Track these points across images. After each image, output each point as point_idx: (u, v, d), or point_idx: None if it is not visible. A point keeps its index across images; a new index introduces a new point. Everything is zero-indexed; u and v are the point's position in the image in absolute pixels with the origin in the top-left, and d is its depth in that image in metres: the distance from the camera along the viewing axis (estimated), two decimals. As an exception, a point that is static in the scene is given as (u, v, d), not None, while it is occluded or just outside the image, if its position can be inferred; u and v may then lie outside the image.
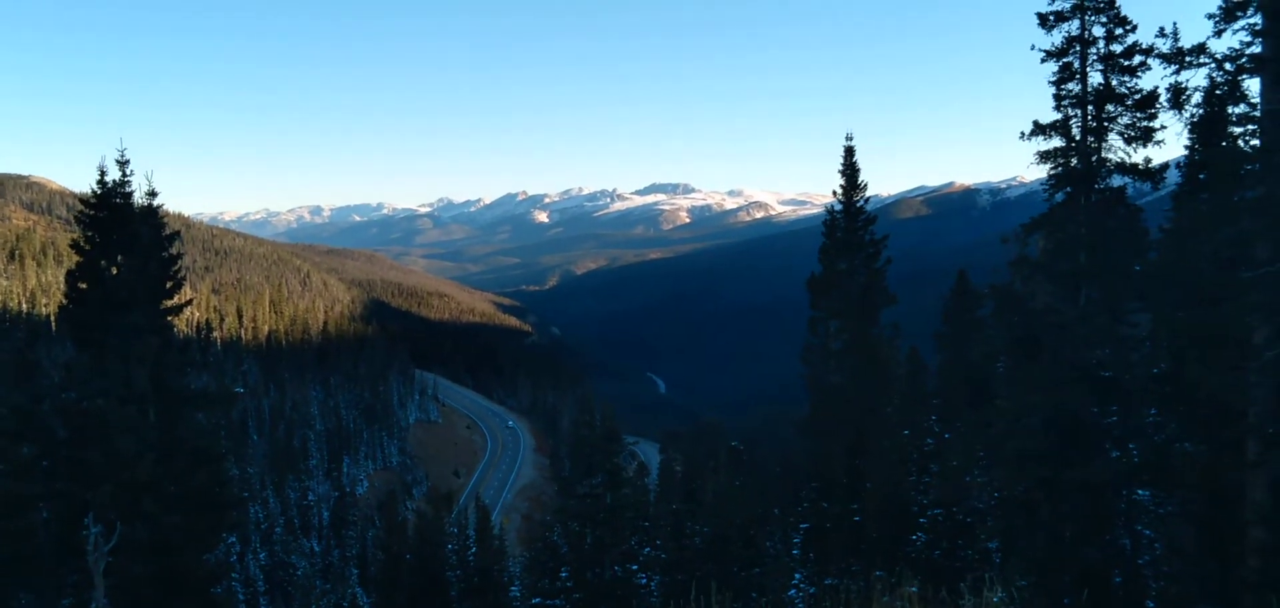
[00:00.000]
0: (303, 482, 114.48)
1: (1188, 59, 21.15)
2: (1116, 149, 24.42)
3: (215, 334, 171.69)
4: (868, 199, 41.09)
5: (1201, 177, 25.59)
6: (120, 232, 27.40)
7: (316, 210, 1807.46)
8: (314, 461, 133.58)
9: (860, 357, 40.10)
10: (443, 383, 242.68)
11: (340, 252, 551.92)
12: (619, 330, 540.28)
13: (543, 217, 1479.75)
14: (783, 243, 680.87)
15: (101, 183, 27.38)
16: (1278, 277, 18.61)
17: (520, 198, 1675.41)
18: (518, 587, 65.01)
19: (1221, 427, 22.22)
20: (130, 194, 27.79)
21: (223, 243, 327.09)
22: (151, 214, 28.24)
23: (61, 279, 36.42)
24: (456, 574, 67.33)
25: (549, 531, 48.59)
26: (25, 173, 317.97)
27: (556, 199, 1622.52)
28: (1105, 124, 24.35)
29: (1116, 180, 24.67)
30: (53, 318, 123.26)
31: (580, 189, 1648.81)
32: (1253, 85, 20.28)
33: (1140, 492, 27.93)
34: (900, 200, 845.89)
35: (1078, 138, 24.53)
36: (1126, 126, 24.21)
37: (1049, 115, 24.82)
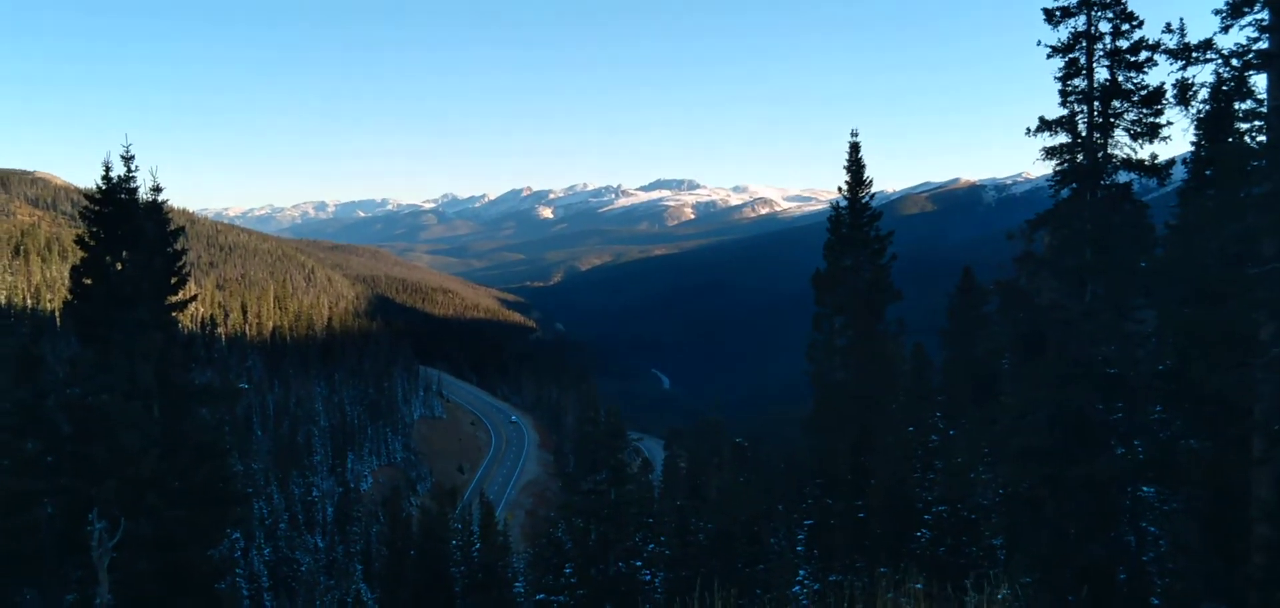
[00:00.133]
0: (307, 478, 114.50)
1: (1194, 55, 21.11)
2: (1122, 145, 24.37)
3: (220, 330, 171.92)
4: (873, 195, 41.01)
5: (1208, 173, 25.54)
6: (125, 227, 27.43)
7: (321, 206, 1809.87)
8: (318, 456, 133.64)
9: (865, 353, 40.04)
10: (447, 379, 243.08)
11: (344, 247, 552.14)
12: (623, 327, 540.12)
13: (547, 213, 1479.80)
14: (788, 239, 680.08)
15: (106, 179, 27.41)
16: (1284, 273, 18.57)
17: (525, 194, 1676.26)
18: (522, 583, 65.07)
19: (1227, 424, 22.18)
20: (135, 190, 27.83)
21: (227, 239, 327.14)
22: (156, 210, 28.26)
23: (66, 275, 36.41)
24: (461, 570, 67.39)
25: (553, 527, 48.60)
26: (30, 168, 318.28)
27: (561, 195, 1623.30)
28: (1111, 120, 24.29)
29: (1122, 176, 24.61)
30: (57, 313, 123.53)
31: (585, 185, 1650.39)
32: (1259, 81, 20.23)
33: (1145, 489, 27.89)
34: (905, 196, 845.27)
35: (1084, 134, 24.47)
36: (1133, 122, 24.15)
37: (1055, 111, 24.77)
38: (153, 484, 25.69)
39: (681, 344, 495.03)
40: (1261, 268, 19.07)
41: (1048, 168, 25.29)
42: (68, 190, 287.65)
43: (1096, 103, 24.31)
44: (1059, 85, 24.65)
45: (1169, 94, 23.06)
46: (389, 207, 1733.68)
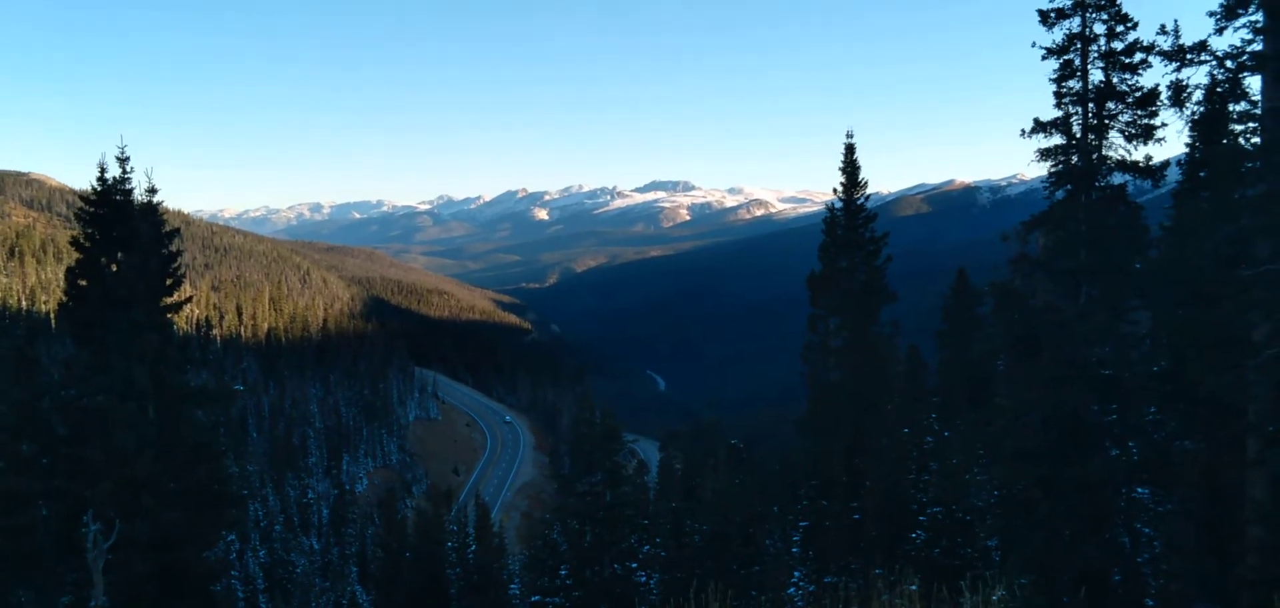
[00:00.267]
0: (302, 479, 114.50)
1: (1189, 56, 21.15)
2: (1117, 146, 24.42)
3: (215, 331, 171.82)
4: (868, 197, 41.08)
5: (1202, 174, 25.62)
6: (120, 229, 27.40)
7: (316, 208, 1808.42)
8: (313, 458, 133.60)
9: (860, 354, 40.10)
10: (442, 380, 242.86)
11: (340, 249, 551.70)
12: (619, 328, 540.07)
13: (543, 214, 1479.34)
14: (783, 241, 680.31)
15: (101, 180, 27.39)
16: (1278, 275, 18.60)
17: (520, 195, 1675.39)
18: (517, 585, 65.04)
19: (1221, 425, 22.23)
20: (130, 191, 27.80)
21: (222, 240, 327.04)
22: (151, 211, 28.25)
23: (61, 276, 36.43)
24: (456, 572, 67.34)
25: (548, 528, 48.59)
26: (25, 170, 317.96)
27: (556, 197, 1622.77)
28: (1106, 121, 24.34)
29: (1117, 178, 24.66)
30: (52, 315, 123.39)
31: (580, 187, 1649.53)
32: (1254, 83, 20.29)
33: (1140, 490, 27.94)
34: (901, 198, 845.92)
35: (1078, 135, 24.52)
36: (1127, 124, 24.19)
37: (1050, 113, 24.82)
38: (148, 486, 25.68)
39: (677, 346, 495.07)
40: (1256, 269, 19.12)
41: (1043, 169, 25.35)
42: (63, 191, 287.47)
43: (1091, 104, 24.36)
44: (1054, 87, 24.70)
45: (1163, 96, 23.10)
46: (384, 208, 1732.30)
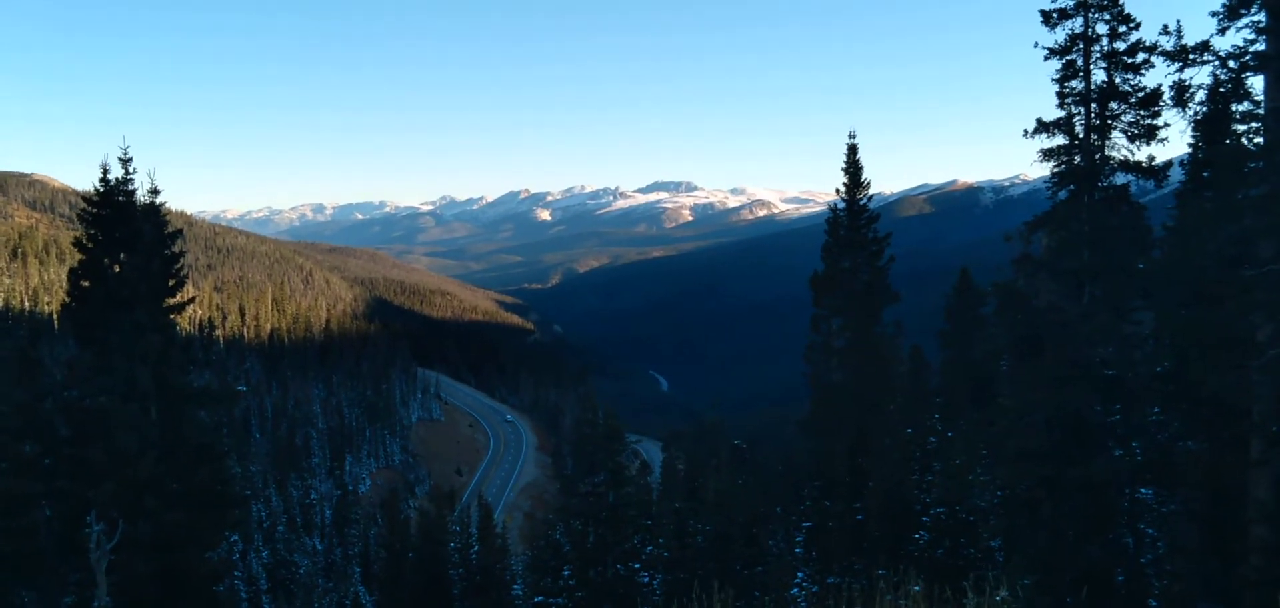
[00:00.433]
0: (305, 480, 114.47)
1: (1191, 56, 21.12)
2: (1120, 147, 24.39)
3: (218, 332, 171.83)
4: (871, 197, 41.02)
5: (1205, 174, 25.61)
6: (123, 229, 27.41)
7: (319, 208, 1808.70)
8: (316, 459, 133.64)
9: (863, 355, 40.05)
10: (445, 381, 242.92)
11: (342, 250, 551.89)
12: (621, 329, 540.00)
13: (545, 215, 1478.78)
14: (785, 241, 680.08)
15: (104, 181, 27.40)
16: (1281, 275, 18.58)
17: (523, 196, 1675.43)
18: (520, 585, 65.05)
19: (1224, 425, 22.21)
20: (133, 192, 27.82)
21: (225, 241, 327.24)
22: (154, 212, 28.25)
23: (64, 277, 36.43)
24: (459, 573, 67.41)
25: (551, 529, 48.59)
26: (28, 171, 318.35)
27: (559, 197, 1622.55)
28: (1109, 122, 24.31)
29: (1120, 178, 24.64)
30: (55, 316, 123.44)
31: (583, 187, 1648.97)
32: (1256, 83, 20.25)
33: (1143, 490, 27.91)
34: (903, 198, 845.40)
35: (1081, 135, 24.49)
36: (1130, 124, 24.16)
37: (1052, 113, 24.79)
38: (151, 487, 25.68)
39: (679, 346, 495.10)
40: (1259, 269, 19.09)
41: (1045, 170, 25.33)
42: (65, 192, 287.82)
43: (1094, 105, 24.34)
44: (1056, 87, 24.67)
45: (1166, 96, 23.08)
46: (387, 209, 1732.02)
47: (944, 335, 54.75)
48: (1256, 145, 20.11)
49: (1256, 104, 20.12)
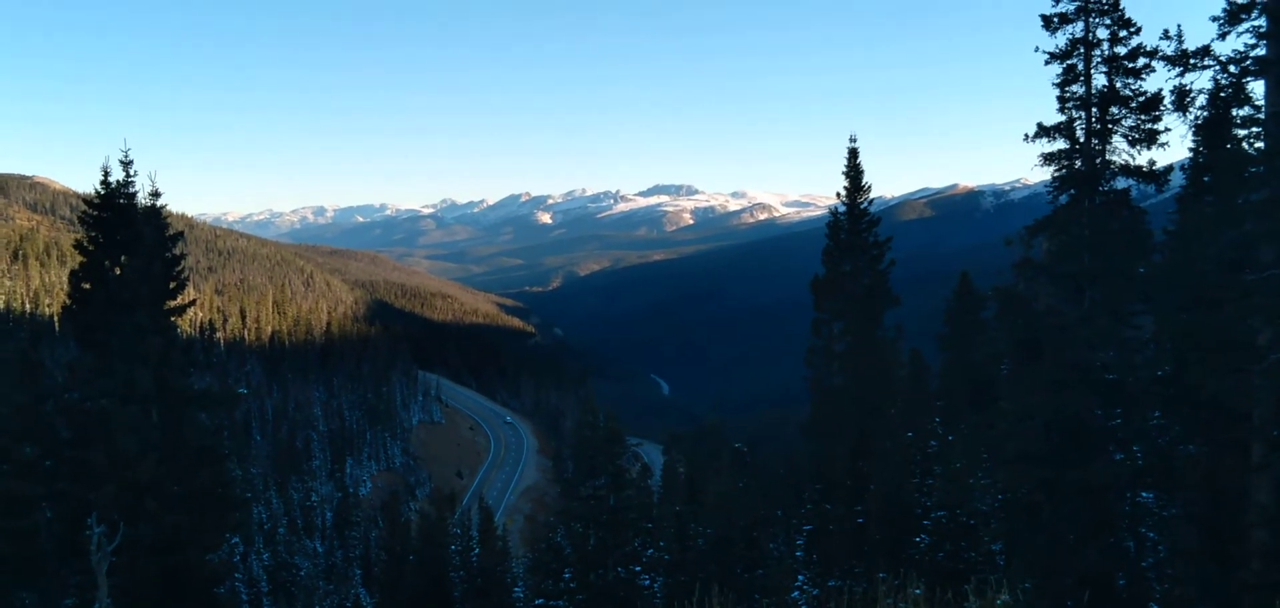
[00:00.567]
0: (306, 482, 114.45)
1: (1192, 61, 21.16)
2: (1120, 151, 24.39)
3: (218, 335, 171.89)
4: (871, 201, 41.11)
5: (1206, 179, 25.59)
6: (124, 232, 27.45)
7: (320, 211, 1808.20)
8: (317, 461, 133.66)
9: (863, 358, 40.11)
10: (445, 384, 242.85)
11: (343, 252, 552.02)
12: (622, 332, 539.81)
13: (546, 218, 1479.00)
14: (786, 244, 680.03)
15: (105, 183, 27.44)
16: (1282, 279, 18.60)
17: (523, 199, 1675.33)
18: (521, 588, 65.01)
19: (1225, 430, 22.20)
20: (134, 194, 27.86)
21: (226, 243, 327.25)
22: (155, 214, 28.29)
23: (65, 279, 36.46)
24: (459, 575, 67.39)
25: (552, 532, 48.55)
26: (29, 173, 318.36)
27: (560, 200, 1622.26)
28: (1109, 126, 24.32)
29: (1120, 183, 24.64)
30: (56, 318, 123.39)
31: (584, 190, 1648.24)
32: (1257, 88, 20.30)
33: (1144, 494, 27.92)
34: (904, 202, 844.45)
35: (1082, 140, 24.50)
36: (1130, 129, 24.17)
37: (1053, 117, 24.80)
38: (151, 489, 25.70)
39: (680, 349, 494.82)
40: (1259, 274, 19.10)
41: (1046, 174, 25.32)
42: (66, 195, 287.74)
43: (1094, 109, 24.35)
44: (1057, 91, 24.68)
45: (1167, 100, 23.11)
46: (388, 212, 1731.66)
47: (944, 339, 54.70)
48: (1257, 150, 20.14)
49: (1257, 109, 20.15)
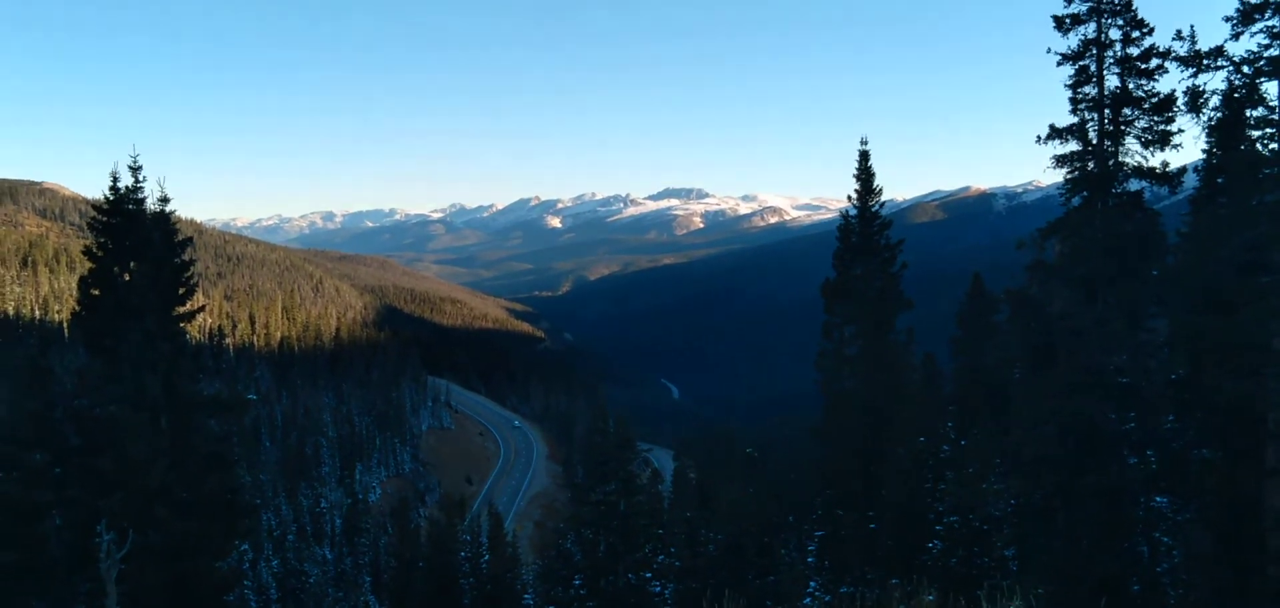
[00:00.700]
0: (315, 489, 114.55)
1: (1205, 62, 21.05)
2: (1133, 153, 24.27)
3: (227, 341, 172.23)
4: (882, 204, 40.93)
5: (1219, 181, 25.47)
6: (133, 238, 27.41)
7: (329, 216, 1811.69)
8: (326, 467, 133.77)
9: (875, 362, 39.92)
10: (455, 389, 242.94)
11: (352, 258, 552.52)
12: (632, 336, 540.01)
13: (555, 222, 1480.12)
14: (797, 248, 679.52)
15: (114, 189, 27.41)
16: (1297, 281, 18.46)
17: (533, 203, 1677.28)
18: (531, 595, 64.93)
19: (1240, 433, 22.07)
20: (143, 200, 27.82)
21: (235, 249, 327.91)
22: (164, 220, 28.24)
23: (74, 286, 36.41)
24: (469, 582, 67.26)
25: (562, 538, 48.51)
26: (38, 179, 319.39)
27: (569, 204, 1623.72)
28: (1122, 128, 24.20)
29: (1134, 184, 24.53)
30: (65, 324, 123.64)
31: (593, 194, 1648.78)
32: (1271, 88, 20.18)
33: (1158, 499, 27.77)
34: (915, 205, 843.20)
35: (1094, 142, 24.38)
36: (1143, 130, 24.05)
37: (1065, 119, 24.70)
38: (161, 495, 25.65)
39: (690, 354, 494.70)
40: (1274, 276, 18.98)
41: (1059, 176, 25.22)
42: (76, 201, 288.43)
43: (1107, 110, 24.22)
44: (1069, 93, 24.57)
45: (1180, 101, 22.99)
46: (397, 217, 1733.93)
47: (957, 343, 54.56)
48: (1271, 151, 20.02)
49: (1271, 110, 20.04)
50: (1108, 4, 23.68)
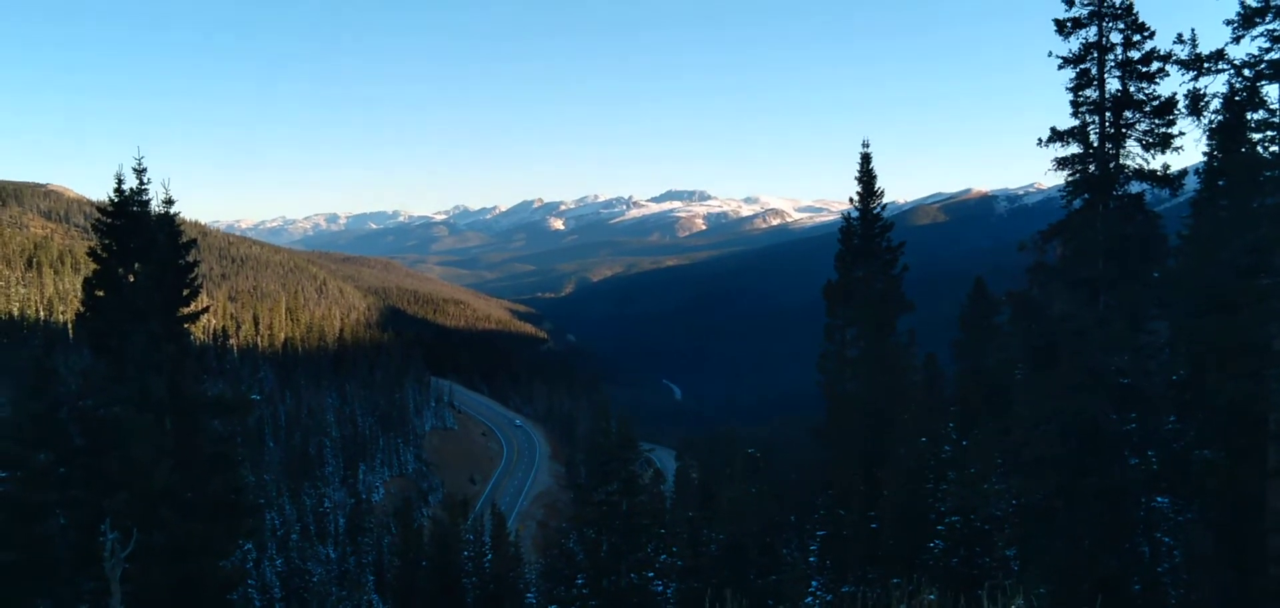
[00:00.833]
0: (319, 489, 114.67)
1: (1206, 65, 21.11)
2: (1135, 155, 24.33)
3: (232, 342, 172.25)
4: (884, 206, 41.00)
5: (1220, 183, 25.52)
6: (137, 239, 27.50)
7: (333, 218, 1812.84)
8: (330, 468, 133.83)
9: (877, 364, 39.99)
10: (458, 390, 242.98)
11: (356, 259, 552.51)
12: (635, 338, 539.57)
13: (558, 224, 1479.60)
14: (799, 250, 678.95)
15: (119, 191, 27.49)
16: (1297, 283, 18.51)
17: (536, 205, 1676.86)
18: (534, 594, 65.00)
19: (1241, 434, 22.13)
20: (147, 202, 27.91)
21: (239, 250, 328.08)
22: (168, 222, 28.31)
23: (79, 287, 36.55)
24: (473, 581, 67.37)
25: (565, 538, 48.56)
26: (43, 181, 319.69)
27: (572, 206, 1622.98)
28: (1123, 130, 24.25)
29: (1135, 187, 24.58)
30: (70, 326, 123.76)
31: (596, 196, 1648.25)
32: (1272, 91, 20.24)
33: (1159, 499, 27.82)
34: (917, 207, 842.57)
35: (1096, 144, 24.44)
36: (1145, 133, 24.10)
37: (1067, 122, 24.75)
38: (165, 496, 25.73)
39: (692, 355, 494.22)
40: (1275, 278, 19.03)
41: (1060, 178, 25.28)
42: (80, 203, 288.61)
43: (1108, 113, 24.28)
44: (1071, 96, 24.63)
45: (1181, 104, 23.05)
46: (400, 218, 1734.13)
47: (958, 345, 54.54)
48: (1272, 154, 20.08)
49: (1272, 112, 20.09)
50: (1109, 7, 23.74)
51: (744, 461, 76.32)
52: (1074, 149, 24.68)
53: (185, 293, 28.41)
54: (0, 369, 54.71)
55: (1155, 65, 23.57)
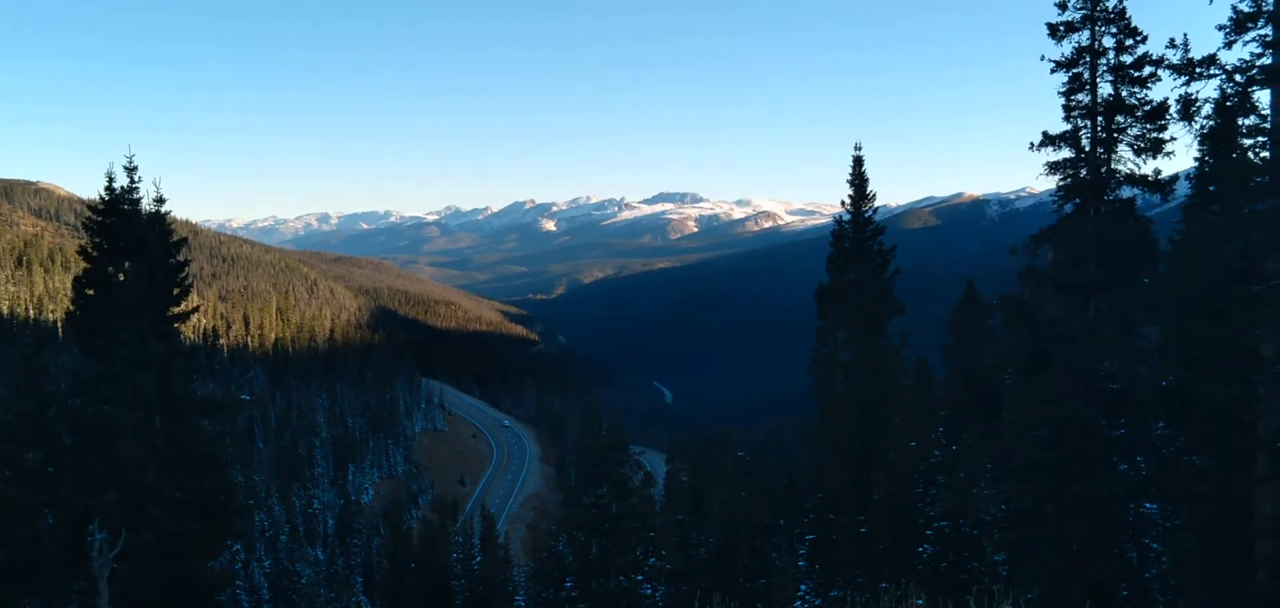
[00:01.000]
0: (308, 490, 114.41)
1: (1198, 70, 21.09)
2: (1126, 160, 24.35)
3: (222, 341, 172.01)
4: (876, 209, 40.98)
5: (1211, 188, 25.54)
6: (128, 238, 27.45)
7: (324, 218, 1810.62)
8: (320, 468, 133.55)
9: (868, 367, 39.96)
10: (449, 391, 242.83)
11: (347, 259, 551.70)
12: (626, 340, 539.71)
13: (550, 225, 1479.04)
14: (790, 252, 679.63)
15: (109, 189, 27.45)
16: (1288, 289, 18.54)
17: (528, 206, 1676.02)
18: (522, 596, 64.99)
19: (1231, 440, 22.14)
20: (138, 201, 27.86)
21: (230, 250, 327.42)
22: (159, 221, 28.27)
23: (69, 285, 36.46)
24: (461, 583, 67.38)
25: (554, 540, 48.57)
26: (33, 179, 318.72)
27: (564, 208, 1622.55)
28: (1115, 135, 24.27)
29: (1126, 192, 24.59)
30: (60, 324, 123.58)
31: (588, 198, 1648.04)
32: (1263, 97, 20.23)
33: (1149, 505, 27.84)
34: (909, 211, 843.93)
35: (1087, 149, 24.46)
36: (1136, 138, 24.13)
37: (1058, 126, 24.78)
38: (154, 495, 25.67)
39: (683, 358, 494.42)
40: (1265, 284, 19.06)
41: (1051, 183, 25.30)
42: (71, 201, 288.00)
43: (1100, 118, 24.30)
44: (1063, 100, 24.65)
45: (1172, 109, 23.07)
46: (392, 219, 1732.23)
47: (949, 348, 54.62)
48: (1263, 160, 20.08)
49: (1263, 118, 20.09)
50: (1102, 12, 23.77)
51: (734, 464, 76.42)
52: (1066, 153, 24.71)
53: (175, 292, 28.36)
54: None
55: (1147, 70, 23.60)
